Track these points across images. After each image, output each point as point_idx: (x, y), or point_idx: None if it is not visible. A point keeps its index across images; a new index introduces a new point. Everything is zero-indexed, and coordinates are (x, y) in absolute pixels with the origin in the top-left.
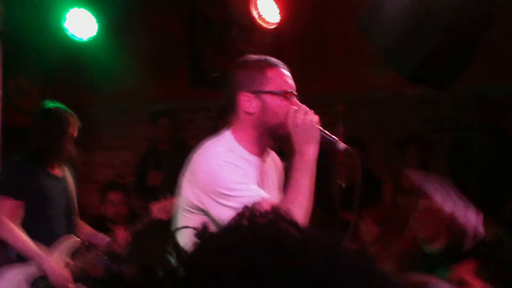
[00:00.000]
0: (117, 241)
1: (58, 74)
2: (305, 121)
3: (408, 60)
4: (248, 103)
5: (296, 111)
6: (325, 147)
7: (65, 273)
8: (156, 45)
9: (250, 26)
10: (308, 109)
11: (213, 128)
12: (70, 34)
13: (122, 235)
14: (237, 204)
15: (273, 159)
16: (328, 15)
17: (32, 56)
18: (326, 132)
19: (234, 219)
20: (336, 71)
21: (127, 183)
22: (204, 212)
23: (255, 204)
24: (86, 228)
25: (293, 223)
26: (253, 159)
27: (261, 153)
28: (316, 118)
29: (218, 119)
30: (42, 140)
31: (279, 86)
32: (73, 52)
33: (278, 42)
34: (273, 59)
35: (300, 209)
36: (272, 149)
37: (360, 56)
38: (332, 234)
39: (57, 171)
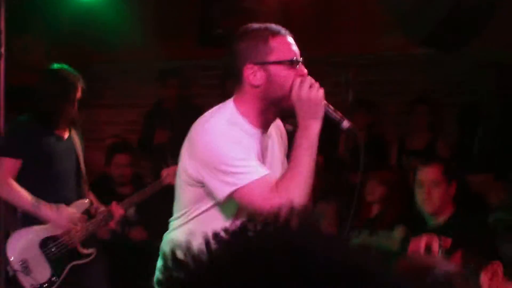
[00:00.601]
0: (112, 217)
1: (64, 32)
2: (310, 95)
3: (421, 25)
4: (252, 75)
5: (300, 84)
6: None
7: (68, 220)
8: (164, 3)
9: None
10: (314, 81)
11: (220, 87)
12: None
13: (118, 211)
14: (235, 180)
15: (277, 127)
16: None
17: (38, 14)
18: (331, 108)
19: (253, 224)
20: (346, 33)
21: (131, 142)
22: (202, 184)
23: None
24: (92, 198)
25: (316, 228)
26: (255, 132)
27: (264, 126)
28: (321, 92)
29: (225, 79)
30: (47, 102)
31: (284, 55)
32: (80, 9)
33: (289, 2)
34: (275, 26)
35: (298, 186)
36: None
37: (370, 18)
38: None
39: (62, 132)
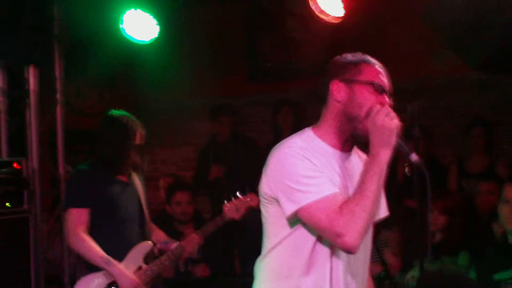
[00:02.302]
0: (188, 244)
1: (117, 76)
2: (385, 123)
3: (476, 49)
4: (337, 90)
5: (378, 110)
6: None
7: (136, 279)
8: (215, 41)
9: (307, 16)
10: (392, 111)
11: (271, 120)
12: (129, 36)
13: (193, 238)
14: (300, 198)
15: (360, 157)
16: (388, 4)
17: (91, 59)
18: (402, 139)
19: None
20: (397, 59)
21: (187, 180)
22: (278, 202)
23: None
24: (159, 234)
25: None
26: (335, 152)
27: (343, 147)
28: (396, 122)
29: (276, 112)
30: (108, 148)
31: (370, 77)
32: (130, 53)
33: (337, 29)
34: (370, 57)
35: (364, 210)
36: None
37: (422, 43)
38: None
39: (123, 177)
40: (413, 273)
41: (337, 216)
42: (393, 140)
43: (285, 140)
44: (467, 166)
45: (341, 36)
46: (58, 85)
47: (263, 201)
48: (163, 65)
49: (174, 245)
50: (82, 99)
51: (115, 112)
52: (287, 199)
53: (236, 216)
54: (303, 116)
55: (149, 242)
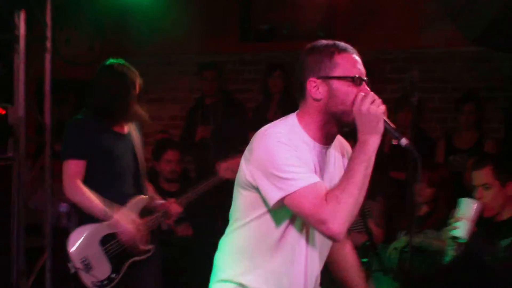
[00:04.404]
0: (169, 214)
1: (107, 26)
2: (370, 110)
3: (474, 23)
4: (315, 89)
5: (363, 98)
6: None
7: (134, 231)
8: None
9: None
10: (376, 97)
11: (262, 82)
12: None
13: (174, 207)
14: (286, 186)
15: (341, 146)
16: None
17: (81, 7)
18: (391, 124)
19: None
20: (391, 28)
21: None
22: (256, 189)
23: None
24: (150, 191)
25: None
26: (315, 145)
27: (325, 140)
28: (383, 107)
29: (268, 76)
30: (106, 98)
31: (347, 71)
32: (122, 4)
33: None
34: (342, 44)
35: (349, 197)
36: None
37: (415, 13)
38: None
39: (121, 128)
40: (396, 245)
41: (322, 203)
42: (380, 126)
43: (270, 126)
44: (456, 141)
45: (336, 1)
46: (48, 33)
47: (240, 185)
48: (155, 19)
49: (160, 204)
50: (71, 49)
51: (113, 61)
52: (272, 188)
53: (231, 176)
54: (293, 81)
55: (145, 196)
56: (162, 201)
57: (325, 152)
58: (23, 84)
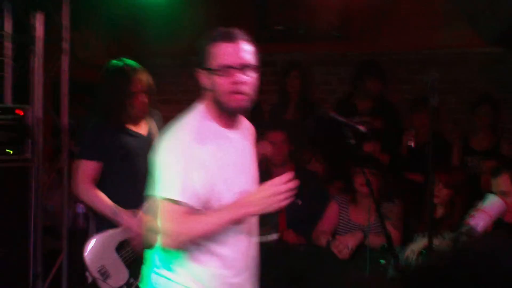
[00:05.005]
0: None
1: (123, 27)
2: (262, 200)
3: (493, 24)
4: (202, 80)
5: (269, 186)
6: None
7: (140, 229)
8: None
9: None
10: (280, 191)
11: (278, 83)
12: None
13: None
14: (162, 189)
15: (246, 129)
16: None
17: (98, 9)
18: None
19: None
20: (406, 29)
21: None
22: None
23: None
24: None
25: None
26: (222, 130)
27: (230, 125)
28: (274, 207)
29: (285, 76)
30: (109, 98)
31: (220, 61)
32: (138, 6)
33: None
34: (223, 31)
35: (188, 236)
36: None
37: (430, 15)
38: None
39: (139, 129)
40: (413, 247)
41: (171, 226)
42: (257, 213)
43: (183, 120)
44: (472, 143)
45: (351, 3)
46: (65, 34)
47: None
48: (171, 20)
49: None
50: (88, 51)
51: (113, 61)
52: (157, 181)
53: None
54: (310, 81)
55: None
56: None
57: (234, 136)
58: (41, 86)
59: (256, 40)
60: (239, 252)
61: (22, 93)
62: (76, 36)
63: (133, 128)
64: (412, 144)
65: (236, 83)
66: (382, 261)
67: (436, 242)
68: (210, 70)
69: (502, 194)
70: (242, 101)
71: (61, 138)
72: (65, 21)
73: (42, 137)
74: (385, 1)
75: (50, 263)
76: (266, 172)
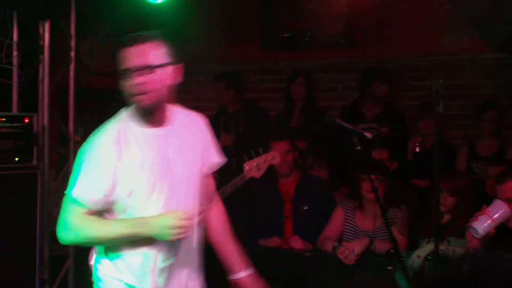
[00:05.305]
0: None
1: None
2: (166, 229)
3: (499, 30)
4: (120, 84)
5: (176, 217)
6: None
7: None
8: (229, 6)
9: None
10: (182, 224)
11: (283, 90)
12: None
13: None
14: (73, 185)
15: (194, 123)
16: None
17: (105, 17)
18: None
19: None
20: (412, 35)
21: None
22: None
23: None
24: None
25: None
26: (149, 130)
27: (156, 123)
28: (175, 236)
29: (290, 83)
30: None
31: (120, 67)
32: (144, 13)
33: (356, 5)
34: (127, 37)
35: (85, 238)
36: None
37: (436, 21)
38: None
39: None
40: (419, 253)
41: (71, 220)
42: (154, 235)
43: (107, 124)
44: (477, 149)
45: (357, 9)
46: (72, 43)
47: None
48: (175, 27)
49: None
50: (95, 59)
51: None
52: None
53: (257, 174)
54: (315, 88)
55: None
56: None
57: (164, 132)
58: (47, 94)
59: (261, 48)
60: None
61: (29, 101)
62: (82, 45)
63: None
64: (418, 150)
65: (134, 85)
66: (389, 267)
67: (442, 247)
68: (120, 75)
69: (509, 201)
70: (145, 100)
71: (68, 145)
72: (72, 29)
73: (48, 144)
74: (391, 7)
75: (57, 268)
76: (272, 182)
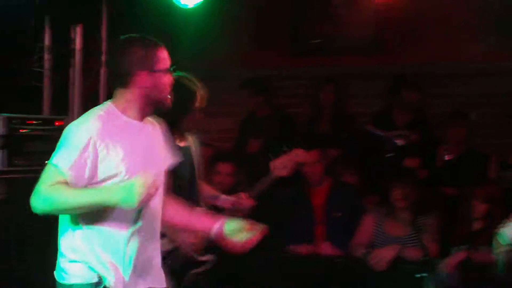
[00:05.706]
0: (241, 204)
1: (160, 40)
2: (138, 196)
3: None
4: (143, 80)
5: (145, 183)
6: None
7: (194, 243)
8: (259, 12)
9: None
10: (149, 183)
11: (311, 95)
12: (175, 1)
13: (247, 201)
14: (55, 157)
15: (152, 124)
16: None
17: (136, 21)
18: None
19: None
20: (440, 42)
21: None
22: None
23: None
24: (208, 190)
25: None
26: (136, 123)
27: (142, 118)
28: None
29: (320, 90)
30: (172, 112)
31: (166, 64)
32: (172, 18)
33: (384, 11)
34: (155, 39)
35: (59, 205)
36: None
37: (464, 28)
38: None
39: (178, 141)
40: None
41: (44, 187)
42: (119, 203)
43: (92, 111)
44: (508, 157)
45: (385, 16)
46: (104, 47)
47: None
48: (204, 33)
49: (230, 202)
50: None
51: (175, 74)
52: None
53: (284, 172)
54: (344, 95)
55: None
56: (228, 198)
57: (144, 128)
58: (79, 97)
59: (290, 53)
60: (117, 236)
61: (61, 104)
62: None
63: (177, 141)
64: (448, 158)
65: (171, 84)
66: (418, 275)
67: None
68: (159, 71)
69: None
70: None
71: None
72: (103, 33)
73: None
74: (420, 14)
75: None
76: (302, 189)
